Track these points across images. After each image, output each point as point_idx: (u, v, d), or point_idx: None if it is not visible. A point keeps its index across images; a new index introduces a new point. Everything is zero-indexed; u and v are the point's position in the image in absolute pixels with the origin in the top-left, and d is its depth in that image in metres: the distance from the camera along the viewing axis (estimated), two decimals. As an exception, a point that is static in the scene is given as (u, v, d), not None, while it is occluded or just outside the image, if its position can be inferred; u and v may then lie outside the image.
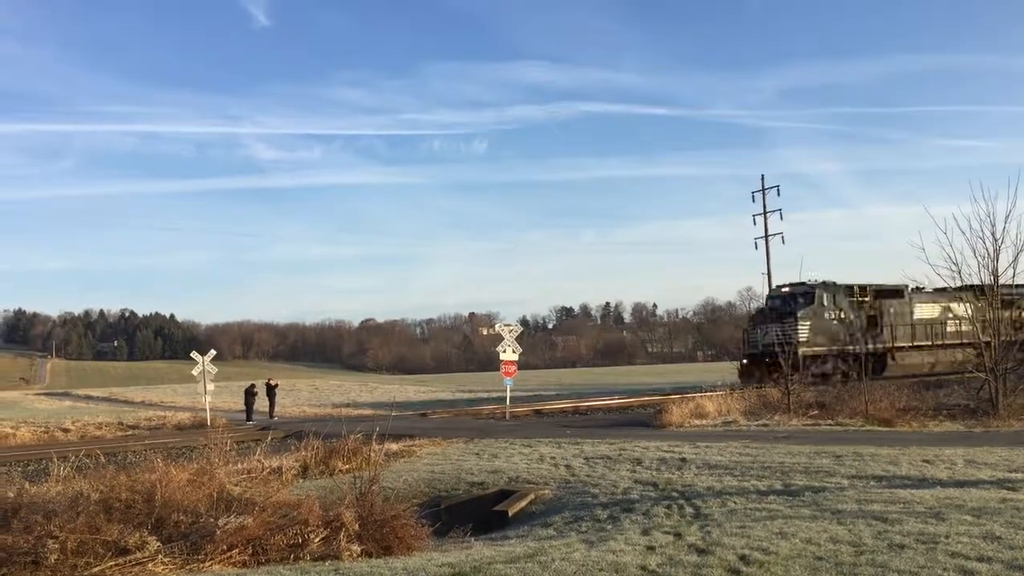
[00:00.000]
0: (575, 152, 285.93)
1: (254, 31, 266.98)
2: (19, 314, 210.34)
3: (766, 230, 43.26)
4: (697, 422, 19.20)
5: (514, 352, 25.08)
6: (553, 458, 13.86)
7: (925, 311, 35.78)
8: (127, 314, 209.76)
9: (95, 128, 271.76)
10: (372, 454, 13.83)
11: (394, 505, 8.42)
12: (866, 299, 34.10)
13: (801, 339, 31.35)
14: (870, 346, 32.81)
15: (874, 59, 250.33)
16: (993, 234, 20.16)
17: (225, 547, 6.87)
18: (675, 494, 9.77)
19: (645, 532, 7.67)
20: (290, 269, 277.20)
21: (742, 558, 6.34)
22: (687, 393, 27.84)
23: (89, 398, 57.42)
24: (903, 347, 34.31)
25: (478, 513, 10.70)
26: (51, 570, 6.42)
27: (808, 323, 32.14)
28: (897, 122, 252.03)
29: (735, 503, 8.85)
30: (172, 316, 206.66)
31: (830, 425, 17.81)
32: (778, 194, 43.56)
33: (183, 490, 8.01)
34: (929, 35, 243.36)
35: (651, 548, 6.89)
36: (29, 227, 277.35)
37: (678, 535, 7.39)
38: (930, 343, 35.00)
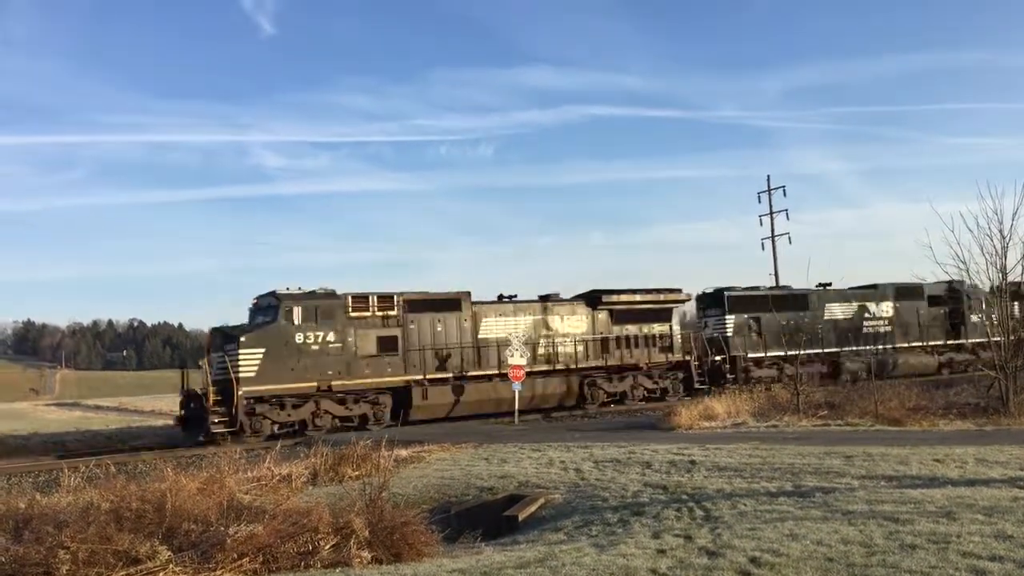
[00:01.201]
0: (581, 155, 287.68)
1: (261, 40, 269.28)
2: (28, 325, 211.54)
3: (772, 230, 43.30)
4: (706, 424, 19.14)
5: (522, 356, 25.06)
6: (563, 462, 13.84)
7: (496, 327, 26.95)
8: (136, 324, 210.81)
9: (103, 139, 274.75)
10: (381, 460, 13.83)
11: (404, 511, 8.43)
12: (390, 313, 24.91)
13: (243, 374, 22.30)
14: (380, 378, 24.48)
15: (878, 58, 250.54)
16: (1001, 231, 20.08)
17: (236, 555, 6.89)
18: (685, 497, 9.74)
19: (655, 535, 7.65)
20: (298, 276, 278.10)
21: (753, 560, 6.33)
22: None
23: (99, 408, 57.69)
24: (441, 379, 25.40)
25: (488, 518, 10.68)
26: (63, 580, 6.45)
27: (259, 351, 22.68)
28: (902, 121, 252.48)
29: (745, 505, 8.81)
30: (181, 325, 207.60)
31: (840, 425, 17.74)
32: (784, 194, 43.60)
33: (193, 499, 8.04)
34: (933, 34, 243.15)
35: (661, 551, 6.87)
36: (38, 238, 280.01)
37: (688, 538, 7.37)
38: (497, 372, 26.06)
